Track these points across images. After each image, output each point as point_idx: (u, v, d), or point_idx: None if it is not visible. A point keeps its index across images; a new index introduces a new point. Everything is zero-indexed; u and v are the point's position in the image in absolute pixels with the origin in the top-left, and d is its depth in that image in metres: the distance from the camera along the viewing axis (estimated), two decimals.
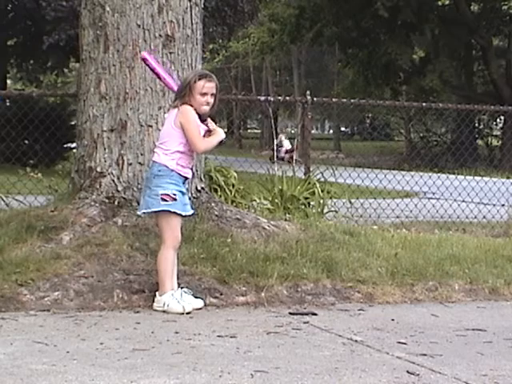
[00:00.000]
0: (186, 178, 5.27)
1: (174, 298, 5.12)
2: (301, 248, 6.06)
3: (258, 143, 45.03)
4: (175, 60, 6.20)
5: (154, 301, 5.22)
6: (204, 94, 5.21)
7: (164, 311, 5.11)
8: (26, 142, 14.89)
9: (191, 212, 5.32)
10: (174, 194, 5.13)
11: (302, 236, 6.35)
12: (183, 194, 5.21)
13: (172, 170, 5.15)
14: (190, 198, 5.62)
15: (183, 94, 5.22)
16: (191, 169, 5.38)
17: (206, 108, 5.24)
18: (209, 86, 5.23)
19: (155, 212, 5.20)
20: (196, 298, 5.27)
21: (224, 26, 23.46)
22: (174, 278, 5.21)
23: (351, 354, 4.27)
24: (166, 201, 5.11)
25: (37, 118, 9.36)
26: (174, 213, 5.14)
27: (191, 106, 5.20)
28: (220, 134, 5.33)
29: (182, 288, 5.23)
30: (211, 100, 5.25)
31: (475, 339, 4.78)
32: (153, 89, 6.12)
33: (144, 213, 5.35)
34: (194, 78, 5.25)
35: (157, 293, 5.20)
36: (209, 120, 5.33)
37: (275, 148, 11.63)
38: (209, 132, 5.29)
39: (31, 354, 4.05)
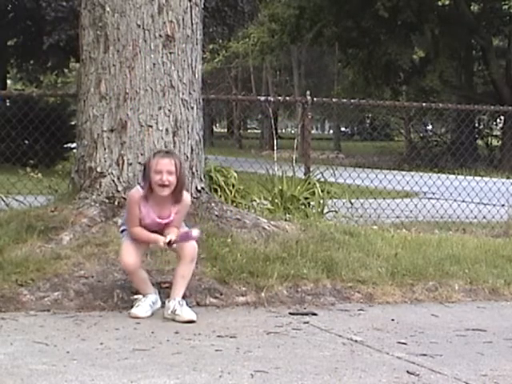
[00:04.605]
0: None
1: None
2: (301, 248, 6.06)
3: (258, 143, 45.01)
4: (175, 60, 6.19)
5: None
6: (158, 172, 4.77)
7: None
8: (26, 142, 14.87)
9: None
10: None
11: (302, 236, 6.34)
12: None
13: None
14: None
15: (145, 177, 4.88)
16: None
17: (163, 190, 4.78)
18: (162, 162, 4.80)
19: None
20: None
21: (224, 26, 23.42)
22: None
23: (351, 354, 4.27)
24: None
25: (37, 118, 9.34)
26: None
27: (151, 188, 4.81)
28: (160, 241, 4.86)
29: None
30: (170, 179, 4.78)
31: (475, 339, 4.78)
32: (153, 89, 6.12)
33: None
34: (149, 156, 4.98)
35: None
36: (172, 230, 4.89)
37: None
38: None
39: (31, 354, 4.05)
